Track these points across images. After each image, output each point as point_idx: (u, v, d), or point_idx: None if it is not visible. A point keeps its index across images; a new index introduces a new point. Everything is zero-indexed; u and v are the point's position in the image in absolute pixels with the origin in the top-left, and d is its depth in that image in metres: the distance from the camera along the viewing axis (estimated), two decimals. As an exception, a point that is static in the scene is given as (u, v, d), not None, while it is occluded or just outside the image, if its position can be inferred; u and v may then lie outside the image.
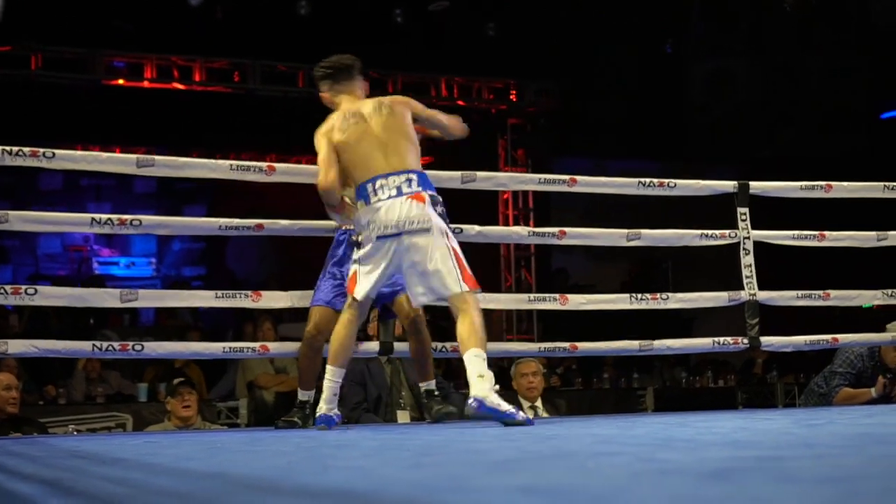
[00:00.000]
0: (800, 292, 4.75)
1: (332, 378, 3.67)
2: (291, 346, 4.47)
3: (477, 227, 4.34)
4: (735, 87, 10.59)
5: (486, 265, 9.48)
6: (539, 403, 5.34)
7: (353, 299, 3.66)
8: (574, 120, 10.60)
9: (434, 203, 3.61)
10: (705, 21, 9.67)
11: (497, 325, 9.58)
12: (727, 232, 4.66)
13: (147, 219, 4.16)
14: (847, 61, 10.26)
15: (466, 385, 4.23)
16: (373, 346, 4.28)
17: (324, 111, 3.87)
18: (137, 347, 4.02)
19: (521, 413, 3.30)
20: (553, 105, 10.28)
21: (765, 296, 4.64)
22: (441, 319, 4.13)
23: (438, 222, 3.58)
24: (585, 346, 4.53)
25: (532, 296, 5.20)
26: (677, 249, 4.93)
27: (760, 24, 9.88)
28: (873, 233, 4.88)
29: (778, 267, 5.79)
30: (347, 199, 3.77)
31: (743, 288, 4.62)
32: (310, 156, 3.97)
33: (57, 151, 3.93)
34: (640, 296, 4.58)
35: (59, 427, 5.82)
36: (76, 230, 8.48)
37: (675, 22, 9.90)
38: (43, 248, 12.09)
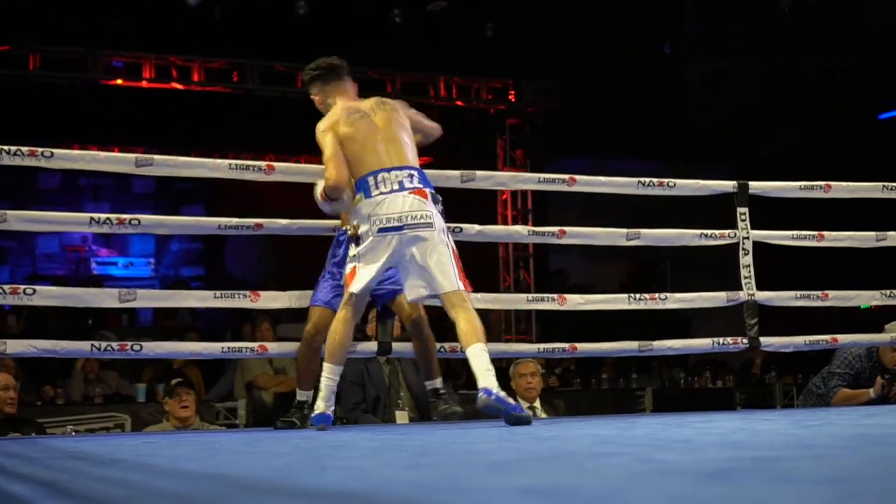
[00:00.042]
0: (798, 293, 4.75)
1: (329, 376, 3.66)
2: (290, 347, 4.46)
3: (477, 227, 4.34)
4: (734, 87, 10.61)
5: (484, 266, 9.49)
6: (537, 404, 5.34)
7: (351, 295, 3.65)
8: (573, 120, 10.61)
9: (435, 201, 3.63)
10: (703, 21, 9.67)
11: (496, 325, 9.59)
12: (726, 232, 4.66)
13: (146, 218, 4.15)
14: (845, 61, 10.28)
15: (466, 385, 4.23)
16: (371, 346, 4.27)
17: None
18: (136, 347, 4.01)
19: (525, 409, 3.35)
20: (552, 105, 10.29)
21: (763, 296, 4.64)
22: (441, 320, 4.13)
23: (439, 219, 3.60)
24: (585, 347, 4.53)
25: (530, 296, 5.20)
26: (676, 250, 4.93)
27: (758, 25, 9.89)
28: (872, 233, 4.88)
29: (777, 267, 5.79)
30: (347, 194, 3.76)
31: (741, 288, 4.62)
32: (308, 155, 3.97)
33: (55, 151, 3.92)
34: (638, 296, 4.57)
35: (58, 427, 5.81)
36: (75, 230, 8.49)
37: (673, 22, 9.90)
38: (41, 249, 12.09)
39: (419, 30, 9.05)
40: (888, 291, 4.85)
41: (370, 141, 3.65)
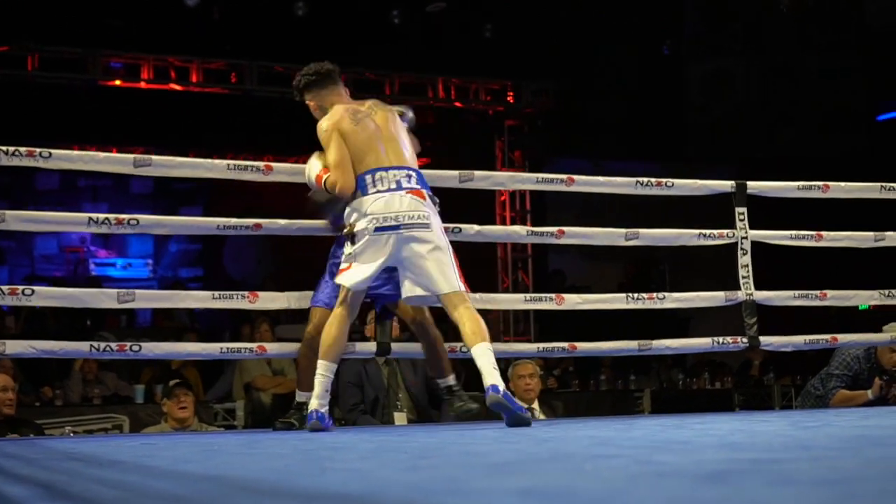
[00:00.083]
0: (797, 292, 4.75)
1: (324, 373, 3.64)
2: (289, 347, 4.46)
3: (476, 227, 4.34)
4: (733, 87, 10.61)
5: (483, 267, 9.48)
6: (536, 405, 5.34)
7: (346, 293, 3.65)
8: (572, 121, 10.61)
9: (432, 202, 3.65)
10: (703, 21, 9.68)
11: (494, 326, 9.57)
12: (725, 232, 4.66)
13: (144, 218, 4.15)
14: (845, 62, 10.28)
15: (465, 386, 4.23)
16: (370, 347, 4.27)
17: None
18: (135, 348, 4.01)
19: (525, 408, 3.38)
20: (550, 106, 10.29)
21: (762, 296, 4.64)
22: (441, 322, 4.13)
23: (437, 220, 3.60)
24: (584, 347, 4.53)
25: (528, 296, 5.20)
26: (674, 251, 4.93)
27: (758, 25, 9.89)
28: (871, 233, 4.88)
29: (775, 268, 5.79)
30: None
31: (740, 288, 4.62)
32: (307, 156, 3.96)
33: (54, 151, 3.92)
34: (636, 295, 4.57)
35: (56, 428, 5.81)
36: (73, 230, 8.49)
37: (672, 23, 9.91)
38: (39, 250, 12.08)
39: (418, 31, 9.05)
40: (887, 291, 4.86)
41: (371, 140, 3.66)
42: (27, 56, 8.49)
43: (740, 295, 4.61)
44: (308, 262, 4.60)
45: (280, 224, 4.18)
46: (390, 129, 3.72)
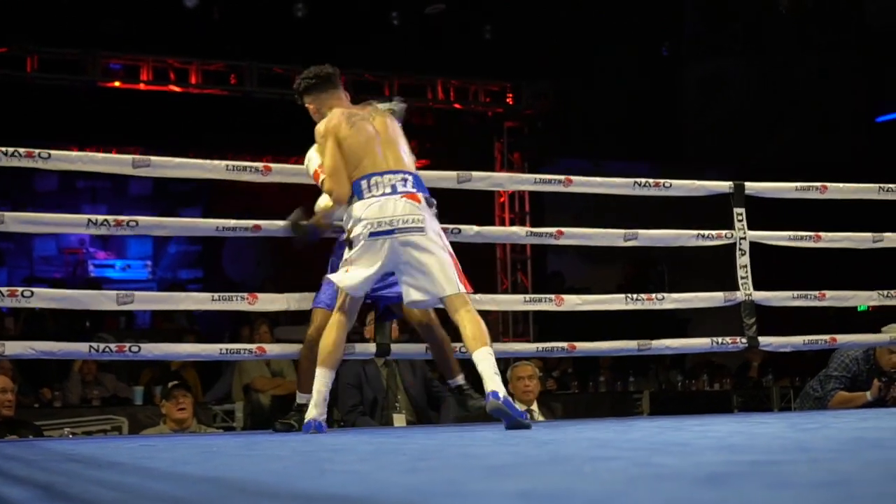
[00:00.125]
0: (795, 293, 4.75)
1: (323, 381, 3.63)
2: (288, 349, 4.46)
3: (475, 228, 4.35)
4: (732, 88, 10.62)
5: (482, 268, 9.47)
6: (535, 407, 5.34)
7: (344, 299, 3.66)
8: (571, 122, 10.61)
9: (429, 205, 3.64)
10: (702, 22, 9.68)
11: (493, 327, 9.56)
12: (723, 232, 4.67)
13: (143, 219, 4.15)
14: (845, 62, 10.28)
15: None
16: (370, 347, 4.27)
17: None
18: (134, 349, 4.01)
19: (525, 412, 3.38)
20: (550, 108, 10.29)
21: (760, 296, 4.64)
22: (442, 324, 4.13)
23: (433, 223, 3.60)
24: (584, 347, 4.53)
25: (528, 296, 5.20)
26: (673, 253, 4.94)
27: (757, 26, 9.89)
28: (869, 234, 4.88)
29: (774, 269, 5.79)
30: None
31: (738, 289, 4.62)
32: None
33: (53, 152, 3.92)
34: (635, 296, 4.58)
35: (55, 430, 5.81)
36: (72, 231, 8.47)
37: (671, 24, 9.91)
38: (38, 251, 12.08)
39: (417, 32, 9.05)
40: (885, 292, 4.86)
41: (368, 144, 3.66)
42: (26, 57, 8.49)
43: (739, 295, 4.62)
44: (307, 263, 4.59)
45: (279, 225, 4.18)
46: (389, 133, 3.72)
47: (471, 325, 3.44)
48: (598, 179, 4.78)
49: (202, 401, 6.76)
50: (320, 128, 3.75)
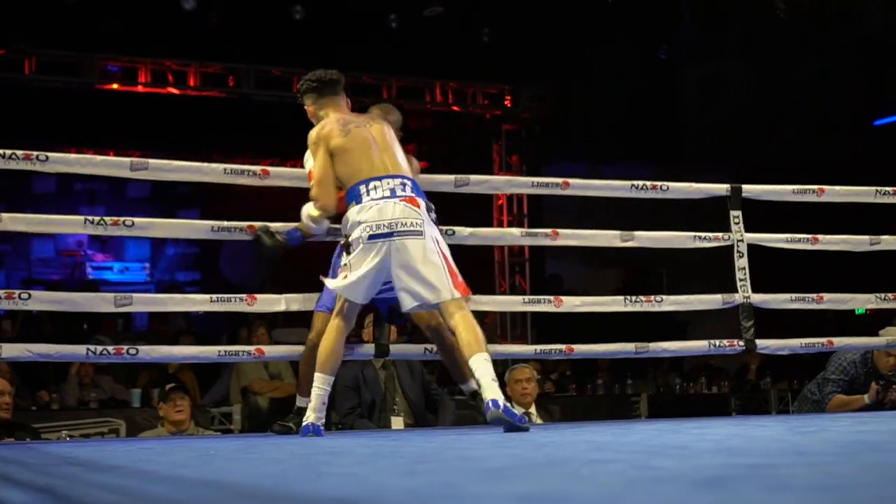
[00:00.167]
0: (793, 295, 4.75)
1: (321, 386, 3.63)
2: (286, 350, 4.46)
3: (469, 229, 4.34)
4: (731, 90, 10.62)
5: (480, 270, 9.47)
6: (533, 409, 5.35)
7: (342, 304, 3.65)
8: (569, 125, 10.62)
9: (428, 210, 3.64)
10: (701, 24, 9.68)
11: (491, 330, 9.59)
12: (720, 234, 4.67)
13: (140, 220, 4.14)
14: (843, 64, 10.29)
15: (461, 391, 4.22)
16: (369, 348, 4.25)
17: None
18: (132, 351, 4.00)
19: (525, 417, 3.37)
20: (548, 110, 10.30)
21: (759, 298, 4.65)
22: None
23: (431, 228, 3.60)
24: (581, 349, 4.54)
25: (526, 297, 5.21)
26: (671, 256, 4.94)
27: (756, 28, 9.90)
28: (866, 237, 4.89)
29: (772, 272, 5.80)
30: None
31: (737, 291, 4.63)
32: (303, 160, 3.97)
33: (50, 154, 3.92)
34: (634, 298, 4.58)
35: (52, 432, 5.80)
36: (70, 231, 8.46)
37: (670, 26, 9.91)
38: (36, 253, 12.07)
39: (415, 35, 9.05)
40: (883, 295, 4.86)
41: (364, 150, 3.66)
42: (24, 59, 8.49)
43: (737, 298, 4.62)
44: (306, 265, 4.58)
45: (275, 228, 4.18)
46: (386, 139, 3.72)
47: (466, 331, 3.42)
48: (596, 182, 4.78)
49: (200, 403, 6.75)
50: (312, 134, 3.75)
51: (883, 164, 8.79)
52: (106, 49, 8.73)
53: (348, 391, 4.99)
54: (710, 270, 5.60)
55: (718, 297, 4.67)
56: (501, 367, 5.71)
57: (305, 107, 3.92)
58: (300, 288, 4.18)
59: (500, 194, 9.99)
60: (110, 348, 4.04)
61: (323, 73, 3.88)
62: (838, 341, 4.90)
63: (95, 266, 12.23)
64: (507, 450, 2.40)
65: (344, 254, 3.64)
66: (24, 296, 3.87)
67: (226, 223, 4.10)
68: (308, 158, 3.90)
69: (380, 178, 3.59)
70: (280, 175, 4.28)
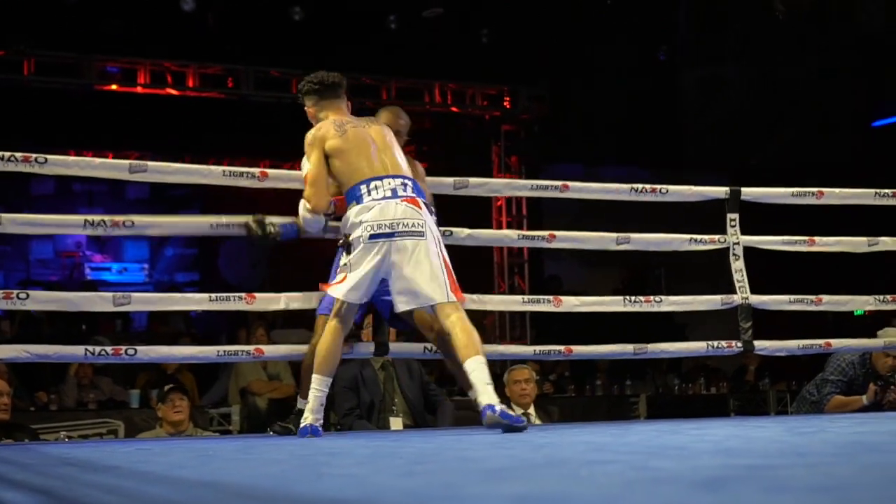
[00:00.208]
0: (792, 297, 4.76)
1: (318, 387, 3.62)
2: (286, 350, 4.46)
3: (467, 231, 4.33)
4: (730, 92, 10.62)
5: (479, 271, 9.49)
6: (532, 410, 5.35)
7: (340, 305, 3.64)
8: (568, 126, 10.62)
9: (429, 211, 3.64)
10: (699, 25, 9.68)
11: (490, 331, 9.59)
12: (716, 237, 4.67)
13: (139, 219, 4.13)
14: (842, 65, 10.29)
15: (461, 391, 4.21)
16: (368, 347, 4.24)
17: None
18: (130, 352, 4.00)
19: (522, 418, 3.37)
20: (547, 111, 10.30)
21: (757, 300, 4.65)
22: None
23: (433, 229, 3.59)
24: (580, 350, 4.54)
25: (526, 297, 5.21)
26: (670, 257, 4.94)
27: (754, 29, 9.90)
28: (864, 238, 4.89)
29: (771, 274, 5.80)
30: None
31: (735, 293, 4.63)
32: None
33: (49, 157, 3.91)
34: (633, 298, 4.58)
35: (51, 433, 5.80)
36: (70, 232, 8.46)
37: (668, 28, 9.92)
38: (35, 254, 12.06)
39: (414, 36, 9.05)
40: (881, 297, 4.86)
41: (363, 150, 3.65)
42: (23, 60, 8.49)
43: (736, 299, 4.62)
44: (305, 266, 4.59)
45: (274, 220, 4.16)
46: (385, 140, 3.71)
47: (462, 334, 3.41)
48: (595, 185, 4.78)
49: (199, 404, 6.75)
50: (308, 136, 3.75)
51: (883, 165, 8.80)
52: (105, 50, 8.73)
53: (347, 392, 4.99)
54: (710, 271, 5.61)
55: (717, 297, 4.68)
56: (500, 367, 5.72)
57: (305, 108, 3.91)
58: (300, 288, 4.17)
59: (499, 195, 9.99)
60: (108, 349, 4.03)
61: (325, 76, 3.87)
62: (836, 343, 4.91)
63: (94, 267, 12.22)
64: (506, 450, 2.40)
65: (344, 253, 3.64)
66: (23, 296, 3.87)
67: (224, 219, 4.08)
68: (305, 163, 3.90)
69: (381, 178, 3.58)
70: (279, 177, 4.28)
